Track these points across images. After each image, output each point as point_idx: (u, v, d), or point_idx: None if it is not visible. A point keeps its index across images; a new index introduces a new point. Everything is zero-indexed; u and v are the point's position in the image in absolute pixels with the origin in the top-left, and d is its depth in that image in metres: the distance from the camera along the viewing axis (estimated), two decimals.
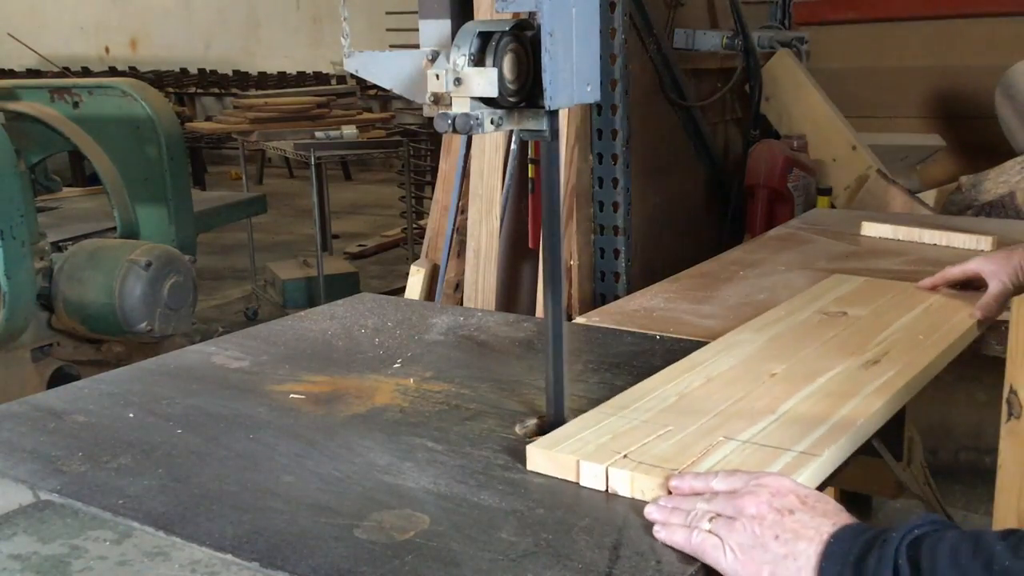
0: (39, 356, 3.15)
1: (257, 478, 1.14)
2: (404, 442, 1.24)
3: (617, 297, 2.83)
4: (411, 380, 1.47)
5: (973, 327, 1.64)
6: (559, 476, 1.12)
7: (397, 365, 1.54)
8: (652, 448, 1.14)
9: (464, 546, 0.98)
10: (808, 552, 0.93)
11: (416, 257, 3.54)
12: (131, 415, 1.35)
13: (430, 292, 3.13)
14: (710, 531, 0.97)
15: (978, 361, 2.14)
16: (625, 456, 1.12)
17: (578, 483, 1.11)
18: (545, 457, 1.14)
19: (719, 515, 0.98)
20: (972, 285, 1.77)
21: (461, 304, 3.02)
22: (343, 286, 5.11)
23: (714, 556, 0.96)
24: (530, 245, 2.98)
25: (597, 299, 3.02)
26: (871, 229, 2.42)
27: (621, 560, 0.95)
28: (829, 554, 0.92)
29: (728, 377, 1.39)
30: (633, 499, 1.08)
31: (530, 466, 1.15)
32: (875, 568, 0.88)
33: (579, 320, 1.82)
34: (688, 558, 0.97)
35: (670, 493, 1.05)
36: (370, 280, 6.34)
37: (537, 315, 2.63)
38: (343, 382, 1.47)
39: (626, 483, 1.08)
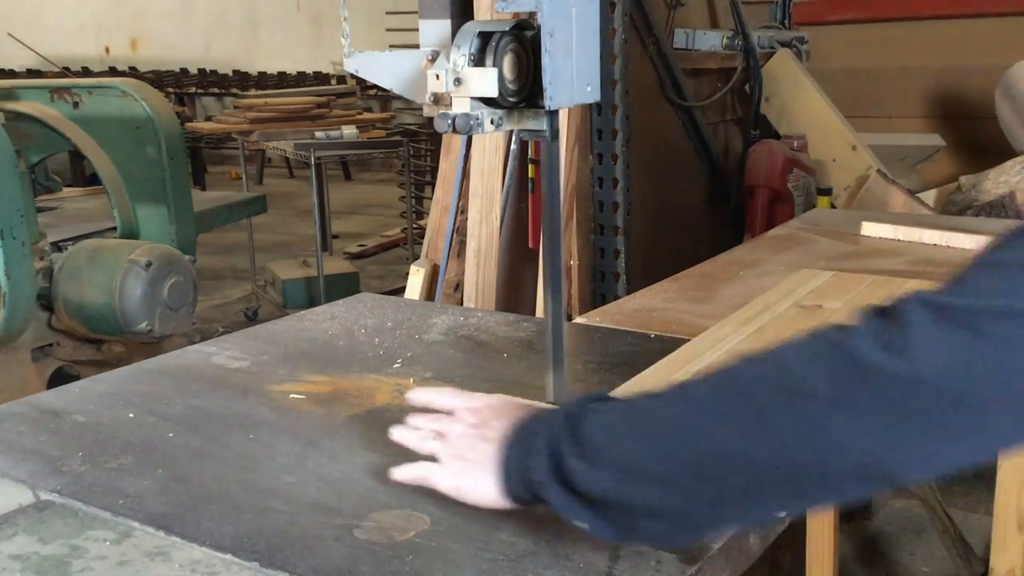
0: (39, 356, 3.15)
1: (257, 478, 1.14)
2: None
3: (617, 297, 2.83)
4: (411, 380, 1.47)
5: None
6: None
7: (397, 365, 1.54)
8: None
9: (464, 546, 0.98)
10: (490, 451, 1.00)
11: (416, 257, 3.54)
12: (131, 415, 1.34)
13: (430, 292, 3.13)
14: (431, 457, 1.06)
15: None
16: None
17: None
18: None
19: (439, 435, 1.07)
20: None
21: (461, 304, 3.02)
22: (343, 286, 5.10)
23: (433, 479, 1.05)
24: (530, 245, 2.98)
25: (597, 299, 3.02)
26: (871, 229, 2.42)
27: (621, 560, 0.95)
28: (506, 447, 0.98)
29: None
30: None
31: None
32: (540, 444, 0.94)
33: (579, 320, 1.82)
34: (688, 558, 0.97)
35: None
36: (370, 280, 6.34)
37: (537, 315, 2.63)
38: (343, 382, 1.47)
39: None
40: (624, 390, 1.33)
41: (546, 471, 0.91)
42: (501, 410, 1.07)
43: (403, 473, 1.08)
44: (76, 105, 3.47)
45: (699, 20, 3.86)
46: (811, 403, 0.78)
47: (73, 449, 1.23)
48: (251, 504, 1.07)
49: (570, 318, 2.07)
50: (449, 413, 1.10)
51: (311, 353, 1.61)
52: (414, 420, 1.13)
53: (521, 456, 0.96)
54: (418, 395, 1.16)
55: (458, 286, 3.09)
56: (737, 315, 1.68)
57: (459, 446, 1.04)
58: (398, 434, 1.13)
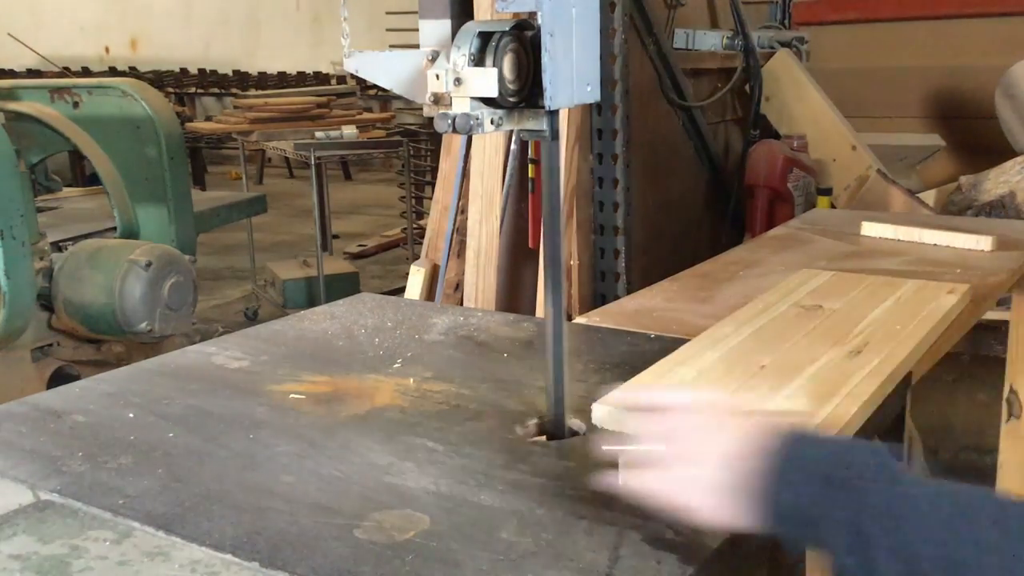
0: (39, 356, 3.15)
1: (257, 478, 1.14)
2: (404, 442, 1.24)
3: (617, 297, 2.83)
4: (411, 380, 1.47)
5: (942, 320, 1.67)
6: None
7: (397, 365, 1.54)
8: None
9: (464, 546, 0.98)
10: (748, 471, 0.90)
11: (416, 257, 3.54)
12: (131, 415, 1.34)
13: (430, 292, 3.14)
14: (659, 474, 0.96)
15: (978, 361, 2.14)
16: None
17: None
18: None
19: (666, 438, 0.97)
20: None
21: (461, 304, 3.02)
22: (343, 286, 5.11)
23: (667, 493, 0.95)
24: (530, 245, 2.98)
25: (597, 299, 3.02)
26: (871, 229, 2.42)
27: (621, 560, 0.95)
28: (777, 483, 0.88)
29: (720, 370, 1.41)
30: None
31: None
32: (837, 504, 0.85)
33: (579, 320, 1.82)
34: (688, 558, 0.97)
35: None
36: (370, 280, 6.34)
37: (537, 315, 2.63)
38: (343, 382, 1.47)
39: None
40: (625, 390, 1.33)
41: (846, 546, 0.84)
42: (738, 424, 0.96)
43: (632, 481, 0.98)
44: (76, 105, 3.47)
45: (699, 20, 3.87)
46: None
47: (73, 449, 1.23)
48: (251, 504, 1.07)
49: (570, 318, 2.07)
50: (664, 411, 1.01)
51: (311, 353, 1.61)
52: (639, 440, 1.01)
53: (804, 503, 0.87)
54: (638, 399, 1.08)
55: (458, 286, 3.09)
56: (737, 315, 1.68)
57: (694, 457, 0.94)
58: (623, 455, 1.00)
